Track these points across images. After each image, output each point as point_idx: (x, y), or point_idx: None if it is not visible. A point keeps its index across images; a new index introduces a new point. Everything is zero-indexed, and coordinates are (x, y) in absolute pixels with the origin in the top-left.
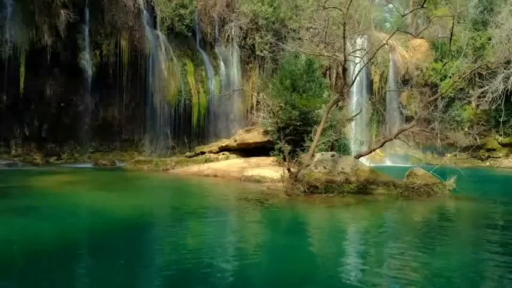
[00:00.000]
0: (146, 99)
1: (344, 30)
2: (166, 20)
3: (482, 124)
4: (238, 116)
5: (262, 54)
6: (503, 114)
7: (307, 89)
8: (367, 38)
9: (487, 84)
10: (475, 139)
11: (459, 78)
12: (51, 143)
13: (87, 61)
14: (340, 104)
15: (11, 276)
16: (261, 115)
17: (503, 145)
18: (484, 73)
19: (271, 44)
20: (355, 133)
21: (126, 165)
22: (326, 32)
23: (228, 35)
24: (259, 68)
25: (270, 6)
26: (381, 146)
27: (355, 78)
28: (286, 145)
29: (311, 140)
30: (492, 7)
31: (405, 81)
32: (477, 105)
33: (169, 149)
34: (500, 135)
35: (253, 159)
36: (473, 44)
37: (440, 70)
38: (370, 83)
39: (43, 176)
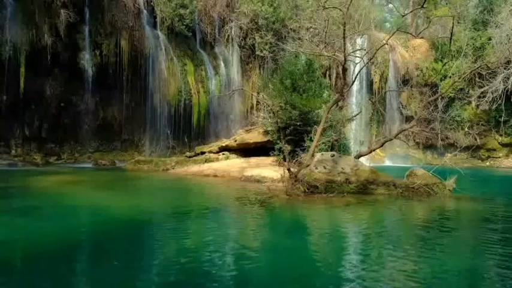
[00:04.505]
0: (146, 99)
1: (344, 30)
2: (166, 20)
3: (482, 124)
4: (238, 116)
5: (262, 54)
6: (503, 114)
7: (307, 89)
8: (367, 38)
9: (487, 84)
10: (475, 139)
11: (459, 78)
12: (51, 143)
13: (87, 61)
14: (340, 104)
15: (11, 276)
16: (261, 115)
17: (503, 145)
18: (484, 73)
19: (271, 44)
20: (355, 133)
21: (126, 165)
22: (326, 32)
23: (228, 35)
24: (259, 68)
25: (270, 6)
26: (381, 146)
27: (355, 78)
28: (286, 145)
29: (311, 140)
30: (492, 7)
31: (405, 81)
32: (477, 105)
33: (169, 149)
34: (501, 135)
35: (253, 159)
36: (473, 44)
37: (440, 70)
38: (370, 83)
39: (43, 176)
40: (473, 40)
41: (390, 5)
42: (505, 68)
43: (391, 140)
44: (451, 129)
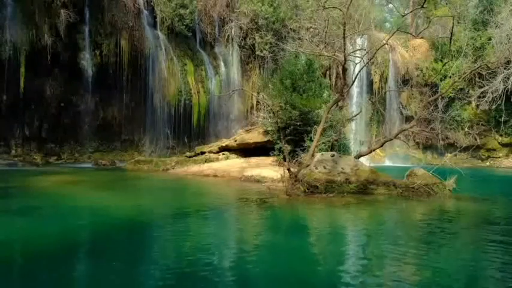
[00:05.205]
0: (146, 99)
1: (344, 30)
2: (166, 20)
3: (482, 124)
4: (238, 116)
5: (262, 54)
6: (503, 114)
7: (307, 89)
8: (367, 38)
9: (487, 84)
10: (475, 139)
11: (459, 78)
12: (51, 143)
13: (87, 61)
14: (340, 104)
15: (11, 276)
16: (261, 115)
17: (503, 145)
18: (484, 73)
19: (271, 44)
20: (355, 133)
21: (126, 165)
22: (326, 32)
23: (228, 35)
24: (259, 68)
25: (270, 6)
26: (381, 146)
27: (355, 78)
28: (286, 145)
29: (311, 140)
30: (492, 7)
31: (405, 81)
32: (477, 105)
33: (169, 149)
34: (501, 135)
35: (253, 159)
36: (473, 44)
37: (440, 70)
38: (370, 83)
39: (43, 176)
40: (473, 40)
41: (390, 5)
42: (505, 68)
43: (391, 140)
44: (451, 129)
